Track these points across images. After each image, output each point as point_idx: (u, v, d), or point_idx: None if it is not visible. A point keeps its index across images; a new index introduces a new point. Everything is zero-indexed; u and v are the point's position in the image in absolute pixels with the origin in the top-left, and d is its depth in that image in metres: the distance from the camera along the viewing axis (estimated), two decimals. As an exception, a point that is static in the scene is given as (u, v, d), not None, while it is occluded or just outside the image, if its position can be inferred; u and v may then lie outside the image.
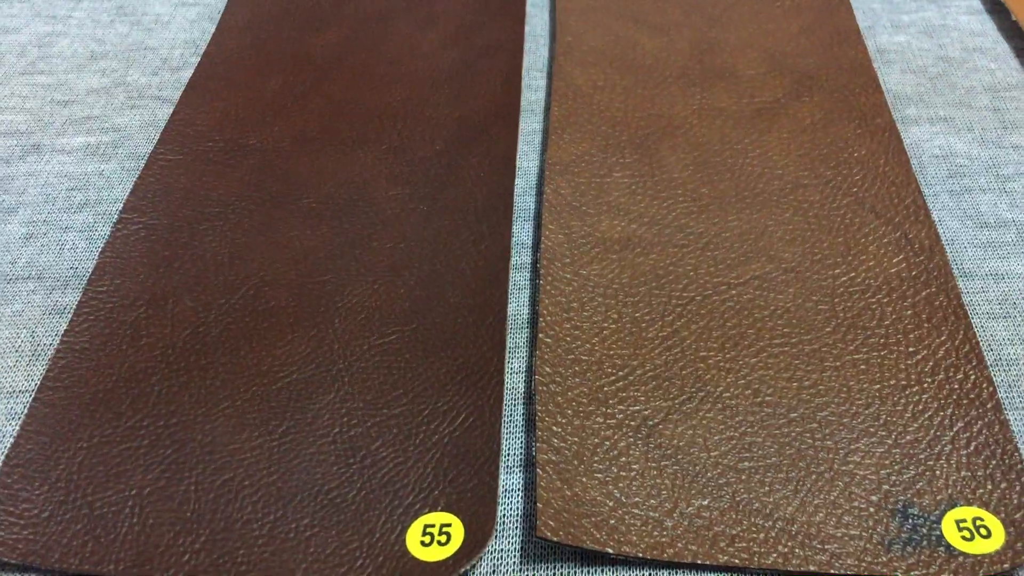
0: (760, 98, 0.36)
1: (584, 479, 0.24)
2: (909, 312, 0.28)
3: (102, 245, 0.30)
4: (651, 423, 0.25)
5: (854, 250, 0.30)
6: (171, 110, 0.35)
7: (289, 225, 0.31)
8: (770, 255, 0.30)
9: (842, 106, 0.35)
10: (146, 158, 0.33)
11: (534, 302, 0.29)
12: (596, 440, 0.25)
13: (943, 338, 0.27)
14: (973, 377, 0.26)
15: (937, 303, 0.28)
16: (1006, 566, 0.22)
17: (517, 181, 0.32)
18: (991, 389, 0.25)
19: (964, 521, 0.23)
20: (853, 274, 0.29)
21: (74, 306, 0.28)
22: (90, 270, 0.29)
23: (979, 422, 0.25)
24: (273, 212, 0.31)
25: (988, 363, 0.27)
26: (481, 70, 0.37)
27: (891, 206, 0.31)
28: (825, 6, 0.40)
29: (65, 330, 0.27)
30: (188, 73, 0.37)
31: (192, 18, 0.40)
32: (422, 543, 0.23)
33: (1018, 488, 0.24)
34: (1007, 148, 0.34)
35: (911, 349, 0.27)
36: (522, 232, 0.31)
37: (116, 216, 0.31)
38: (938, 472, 0.24)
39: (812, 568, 0.22)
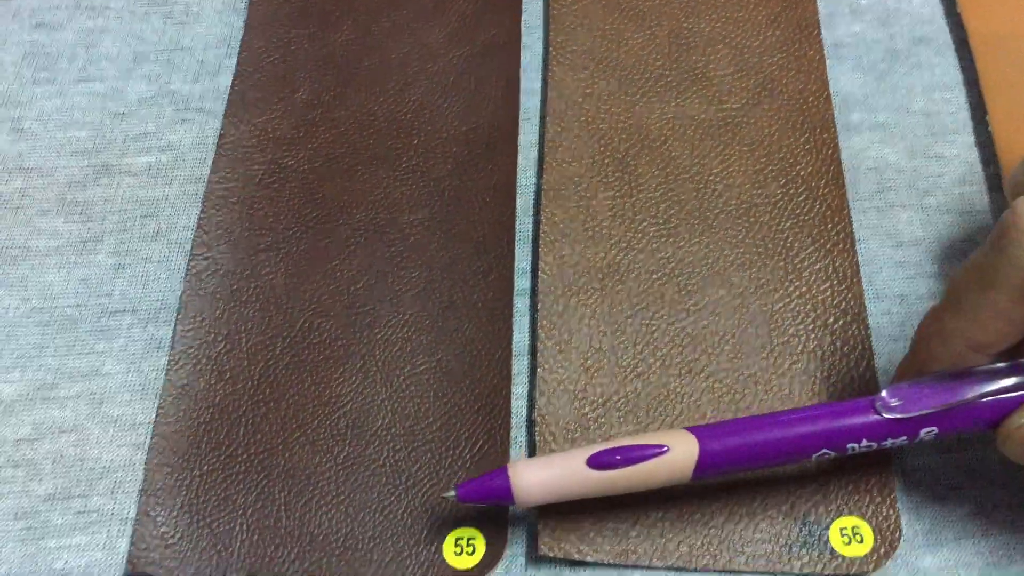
0: (727, 104, 0.41)
1: (572, 505, 0.32)
2: (828, 339, 0.36)
3: (179, 276, 0.37)
4: (622, 446, 0.34)
5: (791, 276, 0.37)
6: (216, 124, 0.41)
7: (330, 254, 0.37)
8: (723, 279, 0.37)
9: (796, 115, 0.41)
10: (201, 181, 0.39)
11: (533, 330, 0.36)
12: (581, 465, 0.33)
13: (851, 366, 0.35)
14: (868, 407, 0.34)
15: (850, 332, 0.36)
16: (871, 567, 0.31)
17: (517, 202, 0.39)
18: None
19: (845, 529, 0.32)
20: (788, 300, 0.36)
21: (166, 339, 0.36)
22: (173, 303, 0.36)
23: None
24: (316, 241, 0.38)
25: (883, 385, 0.35)
26: (484, 74, 0.42)
27: (824, 232, 0.38)
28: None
29: (166, 368, 0.35)
30: (225, 79, 0.42)
31: (219, 8, 0.44)
32: (455, 552, 0.32)
33: (888, 503, 0.32)
34: (930, 159, 0.40)
35: (825, 375, 0.35)
36: (521, 256, 0.38)
37: (186, 246, 0.38)
38: (830, 488, 0.33)
39: (734, 567, 0.32)
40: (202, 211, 0.38)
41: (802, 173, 0.39)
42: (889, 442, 0.30)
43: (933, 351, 0.30)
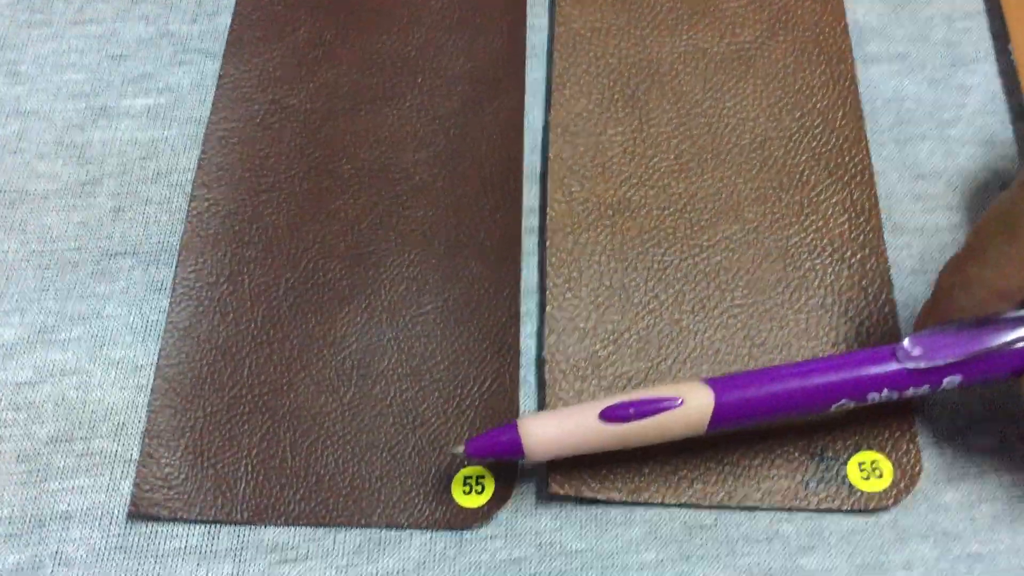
0: (741, 36, 0.40)
1: (582, 440, 0.32)
2: (845, 273, 0.35)
3: (180, 218, 0.36)
4: (634, 383, 0.33)
5: (807, 210, 0.36)
6: (215, 66, 0.40)
7: (334, 194, 0.37)
8: (737, 215, 0.36)
9: (812, 47, 0.40)
10: (201, 122, 0.38)
11: (542, 268, 0.35)
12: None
13: (869, 299, 0.34)
14: (887, 340, 0.33)
15: (868, 266, 0.35)
16: (890, 501, 0.31)
17: (524, 140, 0.38)
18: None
19: (864, 464, 0.31)
20: (804, 234, 0.35)
21: (168, 282, 0.35)
22: (174, 244, 0.36)
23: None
24: (319, 181, 0.37)
25: (903, 320, 0.34)
26: (489, 10, 0.41)
27: (842, 164, 0.37)
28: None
29: (168, 309, 0.34)
30: (224, 19, 0.41)
31: (217, -54, 0.43)
32: (464, 491, 0.31)
33: (907, 437, 0.31)
34: (951, 89, 0.39)
35: (843, 309, 0.34)
36: (530, 195, 0.37)
37: (187, 188, 0.37)
38: (849, 421, 0.32)
39: (749, 503, 0.31)
40: (202, 152, 0.37)
41: (818, 106, 0.38)
42: (911, 391, 0.29)
43: (955, 300, 0.29)
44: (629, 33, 0.40)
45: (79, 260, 0.35)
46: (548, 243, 0.35)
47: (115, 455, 0.32)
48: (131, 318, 0.34)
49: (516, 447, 0.29)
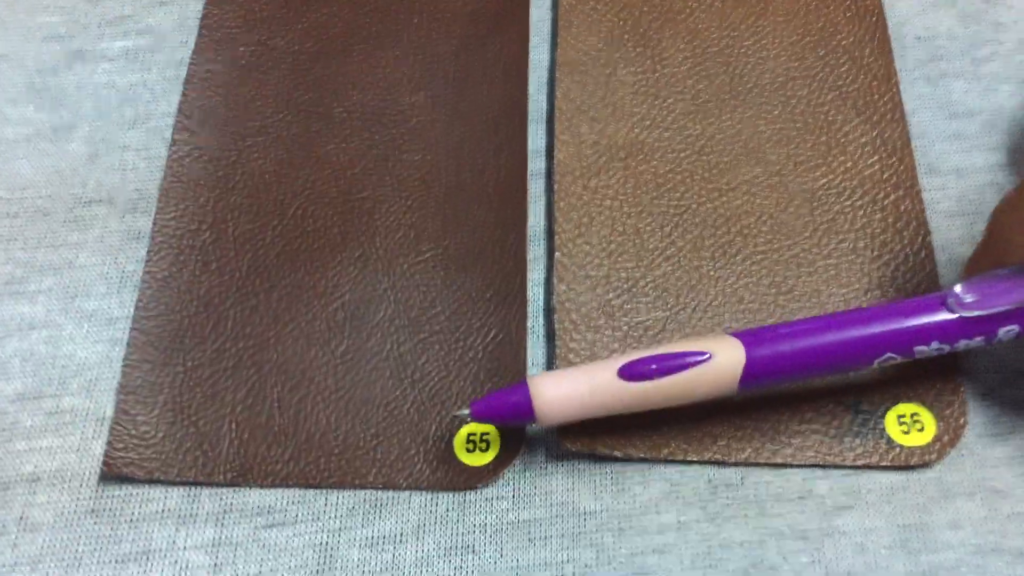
0: (757, -27, 0.37)
1: (596, 393, 0.29)
2: (878, 216, 0.32)
3: (159, 164, 0.34)
4: (651, 333, 0.30)
5: (834, 151, 0.33)
6: (199, 7, 0.37)
7: (325, 138, 0.34)
8: (758, 158, 0.33)
9: (835, -18, 0.37)
10: (183, 64, 0.36)
11: (550, 213, 0.33)
12: (605, 353, 0.30)
13: (904, 243, 0.31)
14: (925, 285, 0.30)
15: (903, 207, 0.32)
16: (933, 456, 0.28)
17: (529, 80, 0.35)
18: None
19: (904, 416, 0.29)
20: (832, 176, 0.33)
21: (146, 230, 0.32)
22: (152, 192, 0.33)
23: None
24: (308, 124, 0.34)
25: (940, 264, 0.31)
26: (489, -52, 0.38)
27: (871, 103, 0.34)
28: None
29: (145, 259, 0.32)
30: (207, -41, 0.38)
31: None
32: (467, 449, 0.28)
33: (950, 388, 0.29)
34: (986, 26, 0.36)
35: (876, 253, 0.31)
36: (535, 137, 0.34)
37: (167, 133, 0.34)
38: (885, 373, 0.29)
39: (778, 460, 0.28)
40: (183, 95, 0.35)
41: (843, 43, 0.35)
42: (963, 344, 0.26)
43: (1011, 242, 0.26)
44: (639, -29, 0.37)
45: (51, 208, 0.33)
46: (556, 187, 0.33)
47: (87, 413, 0.29)
48: (105, 268, 0.32)
49: (527, 409, 0.26)
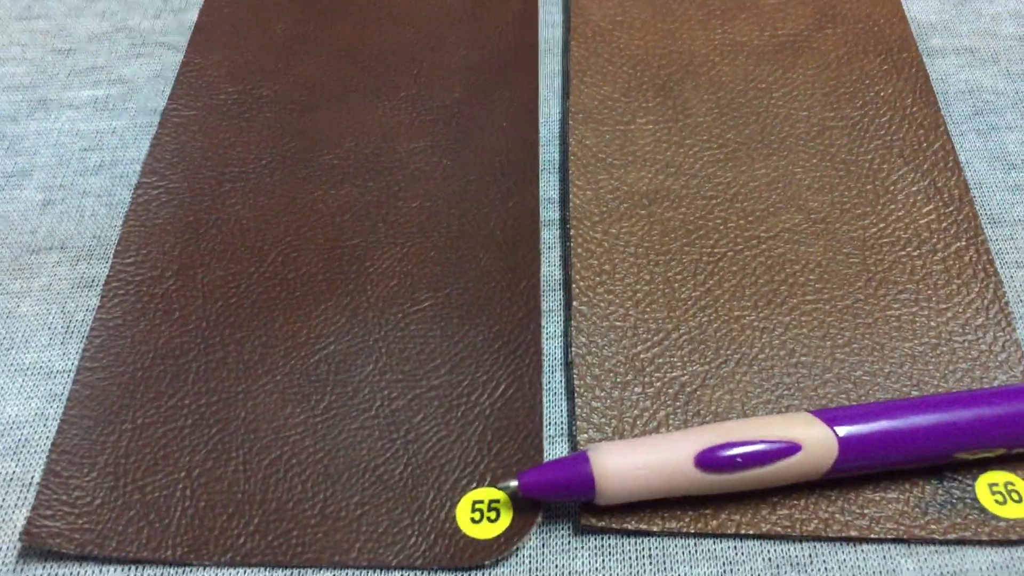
0: (783, 30, 0.35)
1: (628, 452, 0.24)
2: (939, 267, 0.28)
3: (123, 211, 0.30)
4: (689, 390, 0.26)
5: (883, 199, 0.30)
6: (178, 58, 0.34)
7: (312, 185, 0.30)
8: (799, 205, 0.30)
9: (867, 38, 0.34)
10: (158, 113, 0.32)
11: (566, 262, 0.29)
12: (636, 412, 0.25)
13: (972, 296, 0.27)
14: (1002, 340, 0.26)
15: (967, 258, 0.28)
16: (1040, 530, 0.23)
17: (540, 130, 0.32)
18: (1020, 354, 0.26)
19: (996, 485, 0.24)
20: (883, 225, 0.29)
21: (102, 278, 0.28)
22: (113, 238, 0.29)
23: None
24: (294, 171, 0.30)
25: (1016, 318, 0.27)
26: (496, 6, 0.36)
27: (919, 151, 0.31)
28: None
29: (97, 306, 0.27)
30: (192, 15, 0.36)
31: (189, -48, 0.38)
32: (472, 520, 0.23)
33: (1051, 451, 0.24)
34: (1033, 82, 0.33)
35: (942, 306, 0.27)
36: (548, 186, 0.31)
37: (134, 179, 0.30)
38: (972, 434, 0.25)
39: (853, 533, 0.23)
40: (155, 137, 0.31)
41: (882, 94, 0.32)
42: None
43: None
44: (654, 27, 0.35)
45: (-7, 255, 0.28)
46: (572, 232, 0.29)
47: (10, 477, 0.24)
48: (50, 317, 0.27)
49: (586, 485, 0.22)
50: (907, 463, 0.23)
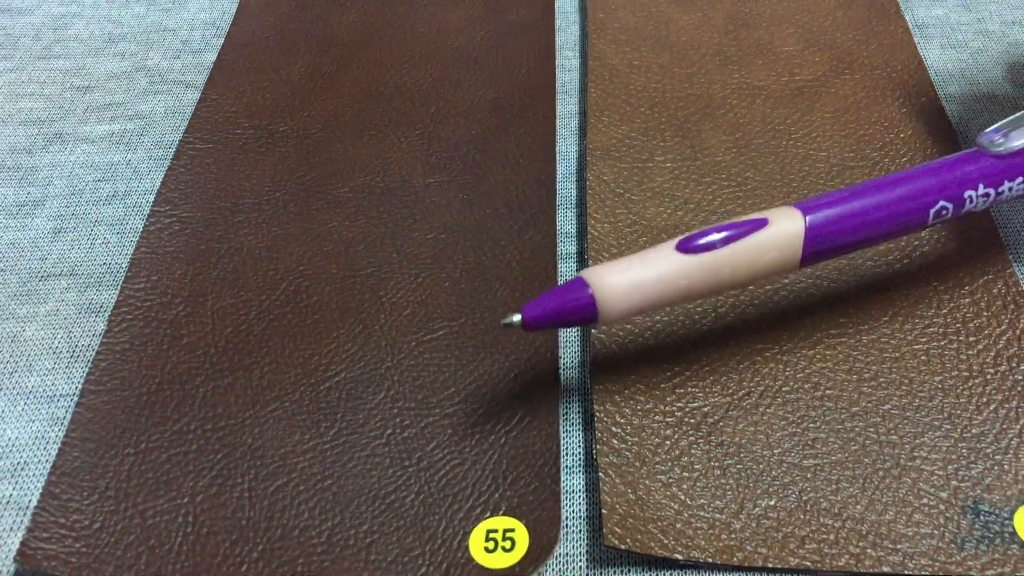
0: (800, 76, 0.35)
1: (647, 482, 0.23)
2: (967, 300, 0.27)
3: (134, 239, 0.29)
4: (711, 420, 0.25)
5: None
6: (196, 96, 0.34)
7: (327, 216, 0.30)
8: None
9: (885, 83, 0.34)
10: (173, 146, 0.32)
11: (583, 294, 0.28)
12: (656, 440, 0.24)
13: (1003, 327, 0.27)
14: (1038, 369, 0.25)
15: (996, 290, 0.27)
16: (1083, 565, 0.22)
17: (557, 167, 0.31)
18: (1059, 382, 0.25)
19: (1037, 518, 0.23)
20: (907, 260, 0.28)
21: (111, 304, 0.27)
22: (123, 266, 0.28)
23: (1048, 415, 0.24)
24: (309, 203, 0.30)
25: (1050, 351, 0.26)
26: (513, 49, 0.36)
27: (943, 189, 0.30)
28: (862, -21, 0.39)
29: (104, 330, 0.26)
30: (211, 56, 0.36)
31: (210, -3, 0.39)
32: (486, 549, 0.22)
33: (1091, 484, 0.23)
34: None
35: (972, 339, 0.26)
36: (565, 220, 0.30)
37: (147, 209, 0.30)
38: (1006, 466, 0.24)
39: (886, 569, 0.22)
40: (169, 168, 0.31)
41: (902, 135, 0.32)
42: (1006, 187, 0.25)
43: None
44: (671, 71, 0.35)
45: (1, 281, 0.28)
46: (590, 263, 0.28)
47: (7, 500, 0.23)
48: (56, 342, 0.26)
49: (587, 304, 0.22)
50: (869, 230, 0.24)
